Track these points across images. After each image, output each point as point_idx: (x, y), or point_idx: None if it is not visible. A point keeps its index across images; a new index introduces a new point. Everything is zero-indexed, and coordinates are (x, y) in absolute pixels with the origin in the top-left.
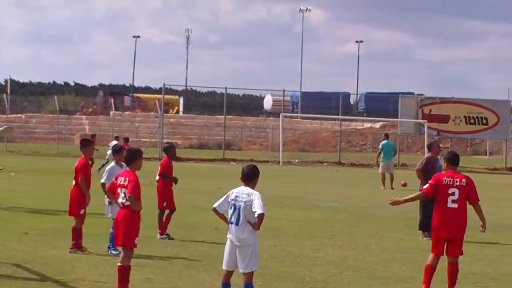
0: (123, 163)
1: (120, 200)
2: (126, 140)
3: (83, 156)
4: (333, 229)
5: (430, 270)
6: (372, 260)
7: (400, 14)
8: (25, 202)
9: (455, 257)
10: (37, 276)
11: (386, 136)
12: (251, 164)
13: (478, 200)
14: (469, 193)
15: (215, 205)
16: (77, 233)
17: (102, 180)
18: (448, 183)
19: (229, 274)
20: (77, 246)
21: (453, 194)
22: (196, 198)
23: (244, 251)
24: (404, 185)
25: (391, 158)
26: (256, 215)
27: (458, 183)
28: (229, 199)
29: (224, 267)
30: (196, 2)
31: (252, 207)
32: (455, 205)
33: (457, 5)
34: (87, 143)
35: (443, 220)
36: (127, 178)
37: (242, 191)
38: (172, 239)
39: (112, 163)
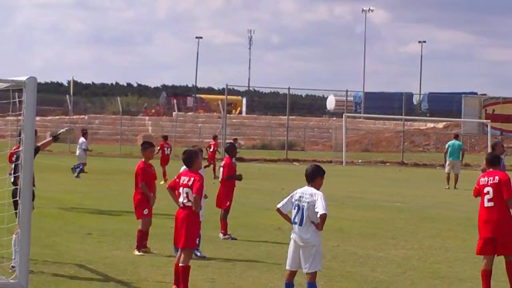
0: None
1: (181, 199)
2: (165, 138)
3: (142, 160)
4: (396, 229)
5: (486, 275)
6: (435, 260)
7: (463, 13)
8: (88, 203)
9: (509, 256)
10: (100, 277)
11: (455, 137)
12: (314, 164)
13: (511, 195)
14: (501, 189)
15: (279, 205)
16: (142, 234)
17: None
18: (484, 183)
19: (292, 274)
20: (142, 246)
21: (487, 193)
22: (259, 198)
23: (307, 251)
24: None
25: (457, 158)
26: (318, 216)
27: (491, 182)
28: (293, 200)
29: (287, 267)
30: (258, 3)
31: (315, 207)
32: (491, 204)
33: None
34: (147, 146)
35: (482, 220)
36: (192, 178)
37: (305, 192)
38: (235, 239)
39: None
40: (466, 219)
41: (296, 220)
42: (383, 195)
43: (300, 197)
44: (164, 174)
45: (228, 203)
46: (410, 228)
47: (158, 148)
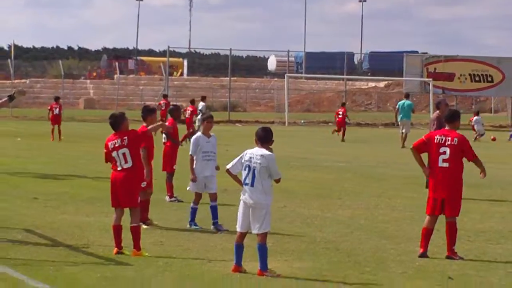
0: (211, 134)
1: (119, 164)
2: (56, 99)
3: (144, 125)
4: (342, 189)
5: (427, 233)
6: (382, 219)
7: None
8: (32, 167)
9: (452, 217)
10: (48, 241)
11: (406, 96)
12: (266, 126)
13: (476, 157)
14: (464, 152)
15: (228, 166)
16: (143, 206)
17: (190, 152)
18: (440, 141)
19: (242, 235)
20: (143, 219)
21: (444, 153)
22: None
23: (258, 212)
24: (494, 139)
25: (407, 117)
26: (274, 178)
27: (449, 142)
28: (243, 160)
29: (238, 229)
30: None
31: (270, 174)
32: (446, 165)
33: None
34: (153, 112)
35: (436, 180)
36: (125, 137)
37: (256, 152)
38: (182, 201)
39: (198, 133)
40: (411, 178)
41: (247, 181)
42: (327, 156)
43: (250, 158)
44: (59, 132)
45: (174, 166)
46: (356, 188)
47: (48, 108)
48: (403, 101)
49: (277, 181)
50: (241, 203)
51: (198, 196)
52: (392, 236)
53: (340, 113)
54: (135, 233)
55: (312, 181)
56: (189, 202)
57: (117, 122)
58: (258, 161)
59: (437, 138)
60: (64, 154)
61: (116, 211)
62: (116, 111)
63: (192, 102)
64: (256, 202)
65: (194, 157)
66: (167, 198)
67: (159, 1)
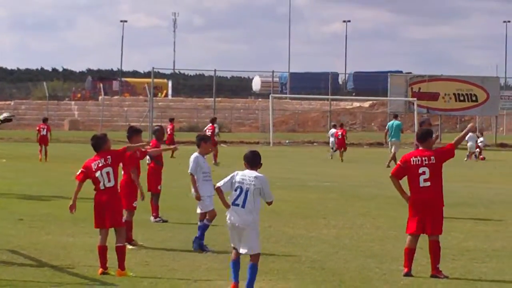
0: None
1: (101, 183)
2: (44, 120)
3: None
4: (326, 209)
5: (409, 253)
6: (367, 238)
7: None
8: (16, 189)
9: (435, 236)
10: (33, 262)
11: (395, 117)
12: (254, 150)
13: (453, 144)
14: (445, 156)
15: (219, 184)
16: (127, 226)
17: (190, 171)
18: (417, 162)
19: (238, 252)
20: (128, 239)
21: (423, 173)
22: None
23: (249, 232)
24: (482, 159)
25: (397, 138)
26: (266, 201)
27: (427, 162)
28: (233, 181)
29: (233, 245)
30: None
31: (263, 195)
32: (428, 184)
33: None
34: (138, 132)
35: (417, 200)
36: (109, 156)
37: (249, 174)
38: (166, 221)
39: (196, 153)
40: (395, 198)
41: (238, 202)
42: (312, 175)
43: (242, 179)
44: (45, 153)
45: (159, 186)
46: (340, 208)
47: (37, 129)
48: (392, 122)
49: (269, 203)
50: (229, 225)
51: (204, 215)
52: (377, 255)
53: (339, 133)
54: (120, 253)
55: (297, 200)
56: (174, 222)
57: (99, 143)
58: (252, 183)
59: (414, 160)
60: (49, 175)
61: (101, 232)
62: (98, 132)
63: (213, 121)
64: (245, 223)
65: (196, 177)
66: (152, 218)
67: (143, 23)
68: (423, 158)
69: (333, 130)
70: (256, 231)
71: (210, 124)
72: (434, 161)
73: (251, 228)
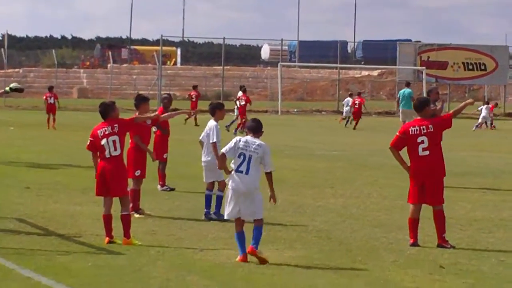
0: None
1: (107, 151)
2: (50, 88)
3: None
4: (334, 178)
5: (413, 223)
6: (374, 208)
7: None
8: (25, 157)
9: (438, 206)
10: (40, 231)
11: (407, 84)
12: (256, 118)
13: (450, 115)
14: (443, 126)
15: (223, 150)
16: (135, 195)
17: (214, 140)
18: (416, 132)
19: (241, 222)
20: (135, 208)
21: (422, 142)
22: (196, 149)
23: (251, 198)
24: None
25: (407, 106)
26: (265, 171)
27: (425, 130)
28: (237, 147)
29: (228, 217)
30: None
31: (263, 163)
32: (427, 153)
33: None
34: (145, 100)
35: (417, 169)
36: (116, 124)
37: (251, 141)
38: (173, 189)
39: (213, 121)
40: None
41: (241, 168)
42: (320, 144)
43: (245, 145)
44: (53, 121)
45: (165, 154)
46: (348, 177)
47: (44, 98)
48: (403, 90)
49: (269, 174)
50: (230, 191)
51: (212, 184)
52: (384, 224)
53: (357, 102)
54: (126, 221)
55: (305, 169)
56: (181, 191)
57: (107, 110)
58: (256, 151)
59: (412, 130)
60: (58, 144)
61: (105, 201)
62: (107, 100)
63: (244, 90)
64: (250, 189)
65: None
66: (158, 187)
67: None
68: (422, 127)
69: (349, 99)
70: (260, 197)
71: (242, 93)
72: (432, 130)
73: (256, 193)
